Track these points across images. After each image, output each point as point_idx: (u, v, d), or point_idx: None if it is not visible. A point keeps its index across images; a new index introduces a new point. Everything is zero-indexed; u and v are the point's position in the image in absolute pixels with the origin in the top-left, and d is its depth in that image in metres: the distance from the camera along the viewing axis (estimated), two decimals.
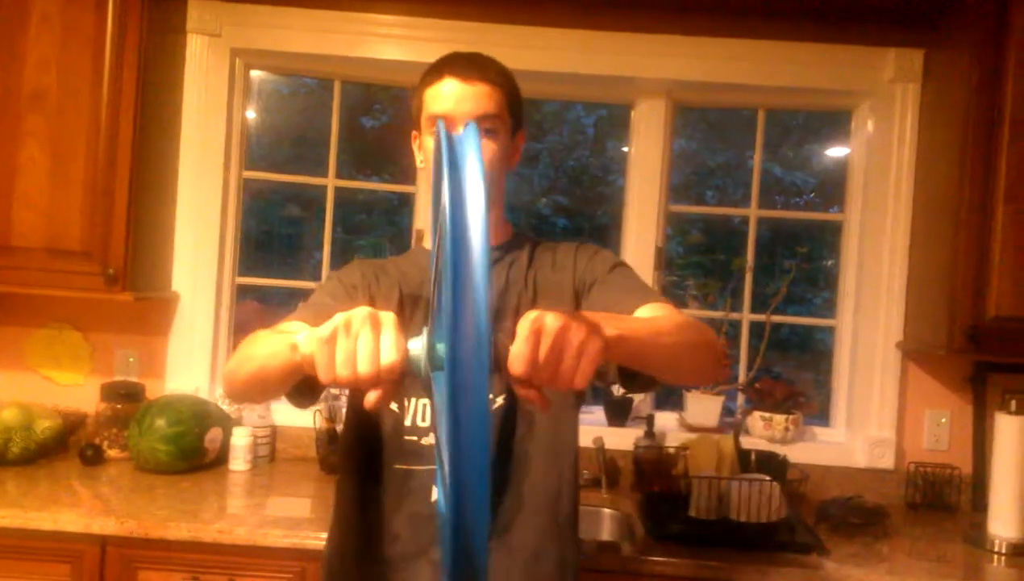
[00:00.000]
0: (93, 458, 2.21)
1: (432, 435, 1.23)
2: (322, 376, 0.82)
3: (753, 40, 2.43)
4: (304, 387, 1.14)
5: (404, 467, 1.24)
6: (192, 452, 2.20)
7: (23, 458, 2.14)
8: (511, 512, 1.24)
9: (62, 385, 2.45)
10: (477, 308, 0.67)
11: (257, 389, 1.13)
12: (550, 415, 1.24)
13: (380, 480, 1.25)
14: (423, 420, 1.25)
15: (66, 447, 2.28)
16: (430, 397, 1.14)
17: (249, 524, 1.83)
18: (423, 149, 1.30)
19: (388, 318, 0.82)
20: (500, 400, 1.23)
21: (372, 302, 1.27)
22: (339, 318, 0.82)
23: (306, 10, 2.41)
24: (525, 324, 0.79)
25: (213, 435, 2.25)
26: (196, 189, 2.45)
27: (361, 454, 1.28)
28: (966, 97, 2.12)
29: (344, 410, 1.82)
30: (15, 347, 2.46)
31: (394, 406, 1.26)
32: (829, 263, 2.85)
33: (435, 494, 1.18)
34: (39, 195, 2.11)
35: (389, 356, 0.79)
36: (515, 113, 1.31)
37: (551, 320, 0.80)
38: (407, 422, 1.25)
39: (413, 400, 1.26)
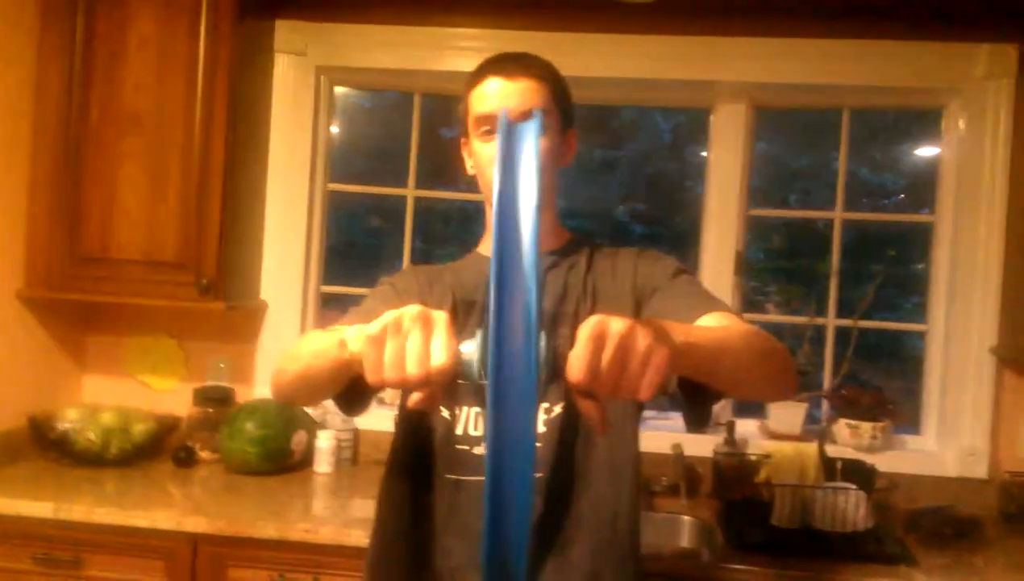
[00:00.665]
0: (186, 460, 2.31)
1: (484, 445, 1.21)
2: (369, 375, 0.79)
3: (834, 39, 2.38)
4: (353, 393, 1.11)
5: (455, 477, 1.19)
6: (279, 454, 2.27)
7: (120, 459, 2.25)
8: (569, 529, 1.18)
9: (157, 390, 2.57)
10: (526, 306, 0.63)
11: (303, 389, 1.11)
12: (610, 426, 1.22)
13: (431, 488, 1.20)
14: (475, 429, 1.20)
15: (160, 449, 2.39)
16: (482, 404, 1.11)
17: (333, 524, 1.88)
18: (473, 154, 1.28)
19: (440, 318, 0.78)
20: (558, 409, 1.18)
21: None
22: (389, 316, 0.78)
23: (387, 27, 2.48)
24: (586, 328, 0.74)
25: (299, 438, 2.32)
26: (283, 202, 2.54)
27: (411, 460, 1.24)
28: None
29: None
30: (114, 354, 2.59)
31: (445, 413, 1.21)
32: (919, 267, 2.76)
33: None
34: (137, 210, 2.23)
35: (439, 358, 0.75)
36: (564, 109, 1.27)
37: (615, 324, 0.74)
38: (458, 430, 1.20)
39: (466, 408, 1.21)
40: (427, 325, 0.77)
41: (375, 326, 0.78)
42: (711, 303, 1.17)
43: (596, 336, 0.73)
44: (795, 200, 3.58)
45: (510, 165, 0.69)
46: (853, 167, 2.64)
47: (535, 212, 0.68)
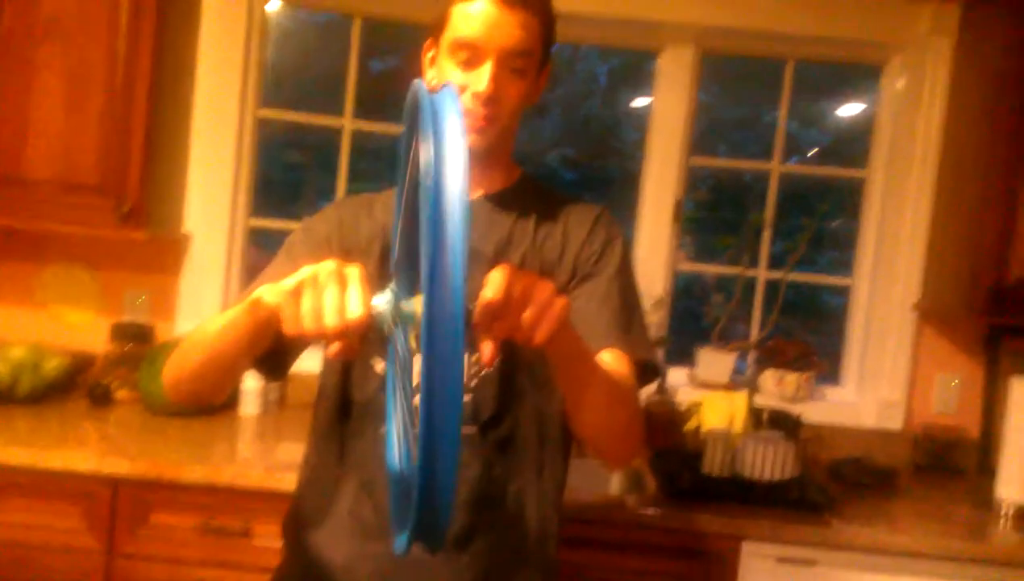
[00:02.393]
0: (102, 398, 2.20)
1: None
2: (287, 328, 0.83)
3: None
4: (273, 358, 1.13)
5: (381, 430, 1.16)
6: None
7: (31, 396, 2.12)
8: (501, 483, 1.17)
9: (71, 324, 2.42)
10: (454, 271, 0.67)
11: (212, 373, 1.09)
12: (538, 381, 1.18)
13: (360, 439, 1.19)
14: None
15: (75, 387, 2.27)
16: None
17: (262, 468, 1.83)
18: (438, 67, 1.16)
19: (354, 273, 0.82)
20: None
21: (347, 255, 1.18)
22: (306, 271, 0.83)
23: None
24: (498, 271, 0.81)
25: None
26: (211, 126, 2.40)
27: (339, 411, 1.21)
28: (1002, 55, 2.06)
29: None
30: (24, 283, 2.42)
31: (379, 368, 1.18)
32: (835, 223, 2.82)
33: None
34: (54, 126, 2.06)
35: (355, 310, 0.79)
36: (548, 45, 1.18)
37: (523, 272, 0.84)
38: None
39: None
40: (342, 280, 0.81)
41: (291, 280, 0.83)
42: (622, 333, 1.15)
43: (505, 277, 0.81)
44: (724, 152, 3.60)
45: (438, 136, 0.69)
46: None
47: (463, 181, 0.68)
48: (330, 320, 0.80)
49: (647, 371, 1.19)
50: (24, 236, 2.36)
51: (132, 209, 2.07)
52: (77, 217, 2.08)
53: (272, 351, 1.08)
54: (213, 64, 2.38)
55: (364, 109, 2.57)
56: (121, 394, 2.26)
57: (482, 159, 1.19)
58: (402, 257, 0.89)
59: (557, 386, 1.03)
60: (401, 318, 0.80)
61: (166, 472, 1.80)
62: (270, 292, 0.88)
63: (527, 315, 0.82)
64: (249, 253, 2.54)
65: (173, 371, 1.14)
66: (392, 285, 0.82)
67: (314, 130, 2.59)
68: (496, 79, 1.11)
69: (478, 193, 1.23)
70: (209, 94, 2.39)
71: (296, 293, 0.82)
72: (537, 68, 1.18)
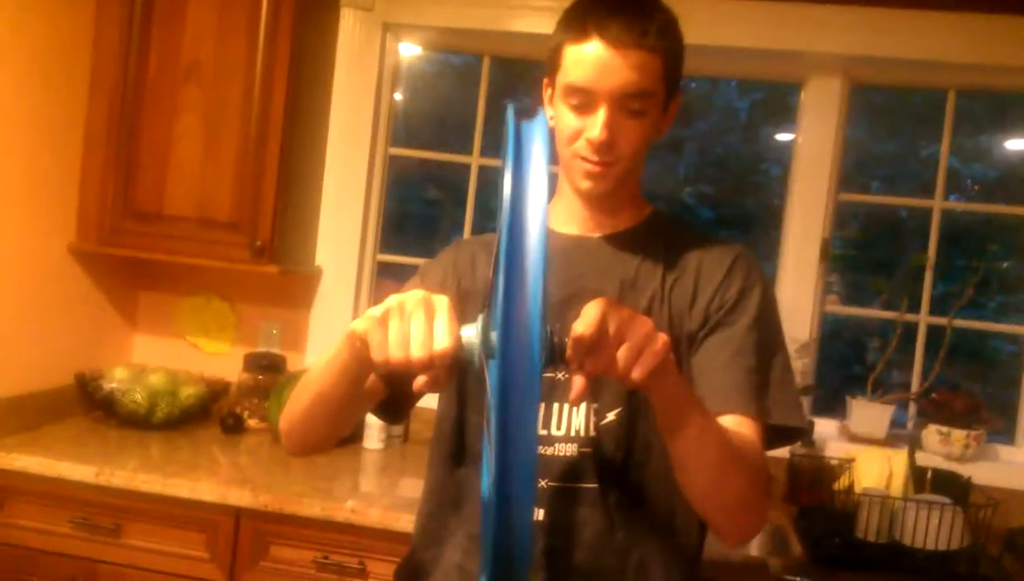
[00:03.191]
0: (233, 427, 2.23)
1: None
2: (375, 355, 0.80)
3: (941, 11, 2.16)
4: (391, 402, 1.12)
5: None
6: None
7: (167, 423, 2.18)
8: (630, 543, 1.06)
9: (208, 353, 2.49)
10: (531, 296, 0.65)
11: (321, 416, 1.06)
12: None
13: (469, 482, 1.13)
14: None
15: (208, 414, 2.32)
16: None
17: (380, 506, 1.78)
18: (555, 107, 1.09)
19: (442, 303, 0.79)
20: (612, 416, 1.06)
21: (463, 299, 1.13)
22: (393, 299, 0.81)
23: None
24: (593, 304, 0.78)
25: None
26: (343, 164, 2.43)
27: (451, 453, 1.15)
28: None
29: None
30: (165, 314, 2.52)
31: None
32: (1004, 265, 2.55)
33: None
34: (192, 166, 2.13)
35: (442, 341, 0.77)
36: (673, 80, 1.08)
37: (621, 306, 0.80)
38: None
39: None
40: (430, 310, 0.78)
41: (379, 308, 0.81)
42: (747, 399, 1.02)
43: (601, 311, 0.77)
44: (877, 188, 3.36)
45: (519, 167, 0.68)
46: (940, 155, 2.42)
47: (542, 213, 0.67)
48: (416, 350, 0.77)
49: (788, 435, 1.06)
50: (165, 268, 2.46)
51: (264, 244, 2.10)
52: (213, 252, 2.14)
53: (391, 395, 1.09)
54: (346, 104, 2.42)
55: (499, 147, 2.55)
56: (252, 423, 2.29)
57: (602, 202, 1.13)
58: (494, 289, 0.83)
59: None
60: (490, 350, 0.76)
61: (287, 505, 1.78)
62: (361, 321, 0.84)
63: (623, 351, 0.78)
64: (381, 286, 2.55)
65: (286, 418, 1.11)
66: (481, 316, 0.78)
67: (452, 168, 2.58)
68: (610, 125, 1.03)
69: (596, 234, 1.15)
70: (341, 133, 2.42)
71: (383, 321, 0.80)
72: (661, 105, 1.08)
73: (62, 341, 2.24)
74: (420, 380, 0.79)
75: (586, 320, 0.76)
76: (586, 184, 1.08)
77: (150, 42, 2.13)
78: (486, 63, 2.50)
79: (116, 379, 2.22)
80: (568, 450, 1.06)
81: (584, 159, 1.06)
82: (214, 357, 2.48)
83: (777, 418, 1.04)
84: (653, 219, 1.18)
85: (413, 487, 1.99)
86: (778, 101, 3.07)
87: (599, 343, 0.77)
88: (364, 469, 2.11)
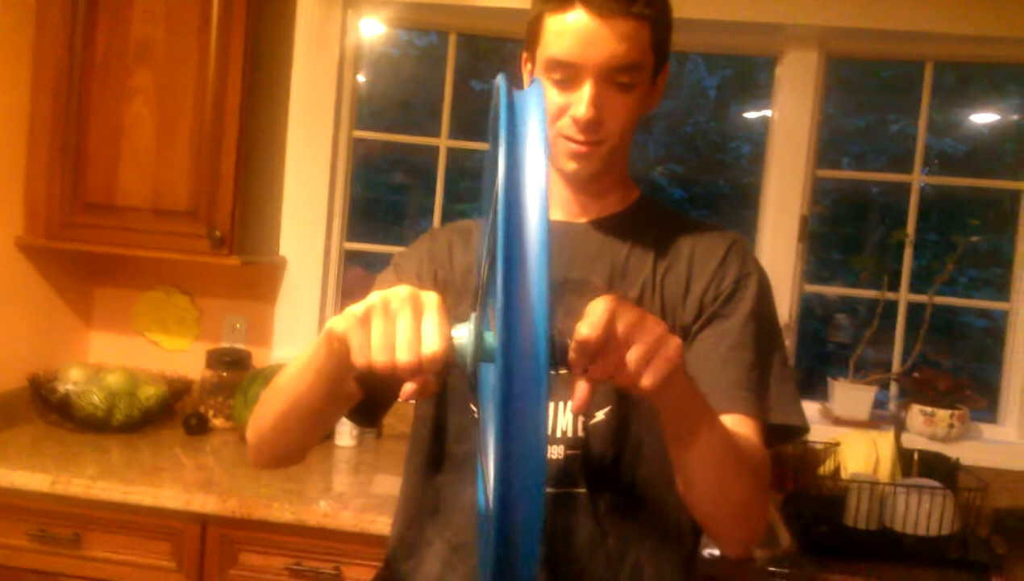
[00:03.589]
0: (197, 427, 2.13)
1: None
2: (356, 359, 0.72)
3: None
4: (367, 405, 1.02)
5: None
6: None
7: (127, 425, 2.07)
8: (623, 547, 1.00)
9: (168, 351, 2.38)
10: (536, 294, 0.58)
11: (296, 424, 0.96)
12: (656, 431, 1.00)
13: (457, 498, 1.05)
14: None
15: (171, 414, 2.22)
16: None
17: (354, 509, 1.70)
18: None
19: (431, 300, 0.71)
20: (601, 415, 0.99)
21: (441, 292, 1.06)
22: (376, 297, 0.72)
23: None
24: (599, 301, 0.70)
25: None
26: (305, 148, 2.32)
27: (432, 459, 1.08)
28: None
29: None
30: (122, 310, 2.40)
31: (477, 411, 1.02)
32: (974, 239, 2.53)
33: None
34: (146, 153, 2.02)
35: (432, 343, 0.69)
36: (662, 50, 1.01)
37: (630, 304, 0.72)
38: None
39: None
40: (417, 308, 0.71)
41: (361, 306, 0.73)
42: (747, 397, 0.95)
43: (609, 310, 0.69)
44: (848, 164, 3.33)
45: (513, 145, 0.61)
46: (911, 130, 2.37)
47: (542, 198, 0.60)
48: (403, 353, 0.69)
49: (788, 433, 1.00)
50: (120, 262, 2.34)
51: (224, 234, 1.99)
52: (170, 243, 2.03)
53: (367, 398, 1.00)
54: (306, 85, 2.31)
55: (466, 130, 2.46)
56: (217, 422, 2.20)
57: (588, 185, 1.05)
58: (488, 284, 0.76)
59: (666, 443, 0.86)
60: (484, 353, 0.70)
61: (255, 510, 1.69)
62: (340, 319, 0.75)
63: (633, 355, 0.70)
64: (348, 275, 2.46)
65: (254, 429, 1.02)
66: (475, 315, 0.70)
67: (419, 152, 2.49)
68: (597, 101, 0.95)
69: (582, 219, 1.07)
70: (303, 116, 2.31)
71: (365, 320, 0.72)
72: (650, 78, 1.00)
73: (13, 342, 2.12)
74: (408, 388, 0.71)
75: (592, 321, 0.68)
76: (571, 165, 1.00)
77: (96, 22, 2.01)
78: (452, 40, 2.40)
79: (71, 380, 2.11)
80: (555, 452, 0.99)
81: (569, 138, 0.98)
82: (175, 354, 2.37)
83: (778, 417, 0.98)
84: (641, 203, 1.11)
85: (388, 485, 1.92)
86: (747, 78, 3.01)
87: (606, 346, 0.69)
88: (336, 468, 2.03)
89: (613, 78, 0.95)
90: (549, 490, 0.98)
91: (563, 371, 0.71)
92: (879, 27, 2.16)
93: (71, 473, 1.76)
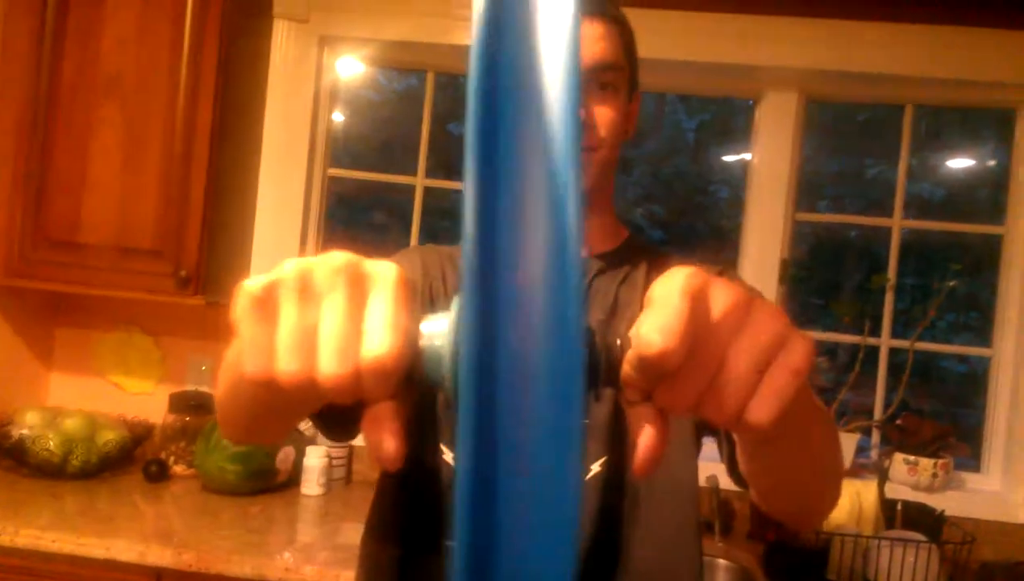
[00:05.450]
0: (157, 474, 2.04)
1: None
2: (248, 367, 0.43)
3: (900, 23, 2.11)
4: (337, 414, 0.79)
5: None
6: (262, 473, 2.01)
7: (84, 471, 1.98)
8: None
9: (131, 393, 2.30)
10: (566, 231, 0.34)
11: (249, 421, 0.70)
12: (661, 481, 0.89)
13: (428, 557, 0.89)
14: None
15: (131, 460, 2.13)
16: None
17: (317, 564, 1.62)
18: None
19: (385, 275, 0.43)
20: (597, 468, 0.88)
21: (435, 304, 0.94)
22: (291, 265, 0.44)
23: None
24: (675, 280, 0.41)
25: (285, 454, 2.05)
26: (277, 186, 2.27)
27: (400, 523, 0.93)
28: None
29: None
30: (83, 350, 2.32)
31: (449, 456, 0.88)
32: (951, 283, 2.52)
33: None
34: (111, 188, 1.96)
35: (379, 342, 0.40)
36: (632, 65, 0.98)
37: (726, 283, 0.43)
38: None
39: None
40: (358, 284, 0.42)
41: (260, 281, 0.44)
42: None
43: (692, 294, 0.41)
44: (825, 207, 3.33)
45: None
46: (889, 173, 2.37)
47: (574, 103, 0.35)
48: (328, 358, 0.41)
49: None
50: (80, 301, 2.26)
51: (190, 274, 1.93)
52: (133, 282, 1.96)
53: (332, 407, 0.72)
54: (280, 122, 2.26)
55: (446, 171, 2.44)
56: (178, 469, 2.11)
57: (587, 205, 0.97)
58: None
59: (747, 463, 0.68)
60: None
61: (213, 564, 1.61)
62: (235, 304, 0.46)
63: (735, 369, 0.42)
64: None
65: (217, 401, 0.75)
66: (456, 301, 0.41)
67: (398, 190, 2.44)
68: (585, 102, 0.91)
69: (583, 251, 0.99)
70: (276, 153, 2.26)
71: (266, 303, 0.43)
72: (627, 88, 0.97)
73: None
74: (390, 447, 0.42)
75: (667, 316, 0.40)
76: None
77: (64, 52, 1.96)
78: (430, 79, 2.38)
79: (27, 424, 2.01)
80: None
81: None
82: (138, 397, 2.29)
83: None
84: (631, 241, 1.05)
85: (356, 535, 1.83)
86: (726, 122, 3.01)
87: (691, 357, 0.41)
88: (302, 517, 1.94)
89: (597, 77, 0.92)
90: None
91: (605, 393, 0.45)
92: (858, 70, 2.15)
93: (20, 522, 1.67)
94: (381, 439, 0.41)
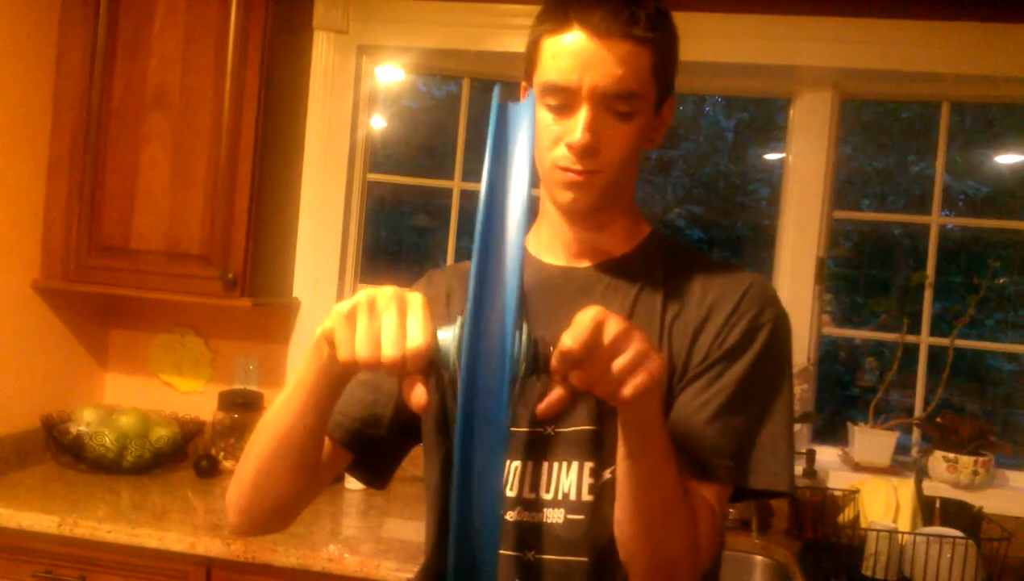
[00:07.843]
0: (208, 469, 2.12)
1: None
2: (341, 354, 0.74)
3: (935, 21, 2.10)
4: (372, 461, 1.05)
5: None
6: None
7: (138, 467, 2.07)
8: None
9: (182, 392, 2.39)
10: (508, 298, 0.64)
11: (280, 464, 0.90)
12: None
13: None
14: (511, 489, 0.95)
15: (183, 456, 2.21)
16: (524, 457, 0.94)
17: (361, 554, 1.67)
18: (535, 118, 0.94)
19: (416, 299, 0.73)
20: (609, 475, 0.91)
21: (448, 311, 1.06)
22: (363, 294, 0.74)
23: (436, 3, 2.27)
24: (587, 314, 0.71)
25: None
26: (319, 192, 2.34)
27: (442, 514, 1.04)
28: None
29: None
30: (137, 351, 2.42)
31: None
32: (1000, 281, 2.49)
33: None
34: (160, 196, 2.05)
35: (416, 338, 0.70)
36: (665, 77, 0.94)
37: (618, 317, 0.72)
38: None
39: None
40: (402, 306, 0.73)
41: (346, 303, 0.74)
42: (719, 458, 0.89)
43: (596, 321, 0.70)
44: (868, 205, 3.30)
45: (500, 153, 0.69)
46: (930, 171, 2.35)
47: (524, 204, 0.67)
48: (388, 348, 0.71)
49: (766, 492, 0.93)
50: (133, 305, 2.36)
51: (237, 277, 2.01)
52: (184, 286, 2.05)
53: (373, 453, 1.02)
54: (321, 130, 2.33)
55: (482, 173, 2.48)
56: (227, 464, 2.19)
57: (587, 220, 0.97)
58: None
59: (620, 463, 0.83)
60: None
61: (260, 554, 1.68)
62: (328, 318, 0.77)
63: (618, 364, 0.71)
64: None
65: (233, 484, 0.95)
66: (460, 318, 0.72)
67: (441, 194, 2.50)
68: (592, 127, 0.89)
69: (585, 262, 1.00)
70: (317, 159, 2.34)
71: (351, 316, 0.73)
72: (652, 107, 0.94)
73: (29, 383, 2.14)
74: (420, 394, 0.71)
75: (577, 331, 0.69)
76: (567, 195, 0.93)
77: (114, 68, 2.05)
78: (466, 84, 2.43)
79: (84, 421, 2.11)
80: (555, 516, 0.92)
81: (565, 169, 0.91)
82: (189, 396, 2.38)
83: (759, 482, 0.90)
84: (650, 242, 1.02)
85: (398, 529, 1.90)
86: (764, 120, 3.01)
87: (590, 355, 0.70)
88: (346, 511, 2.01)
89: (611, 106, 0.89)
90: (548, 557, 0.92)
91: (543, 376, 0.73)
92: (893, 68, 2.14)
93: (79, 515, 1.76)
94: (414, 389, 0.71)
